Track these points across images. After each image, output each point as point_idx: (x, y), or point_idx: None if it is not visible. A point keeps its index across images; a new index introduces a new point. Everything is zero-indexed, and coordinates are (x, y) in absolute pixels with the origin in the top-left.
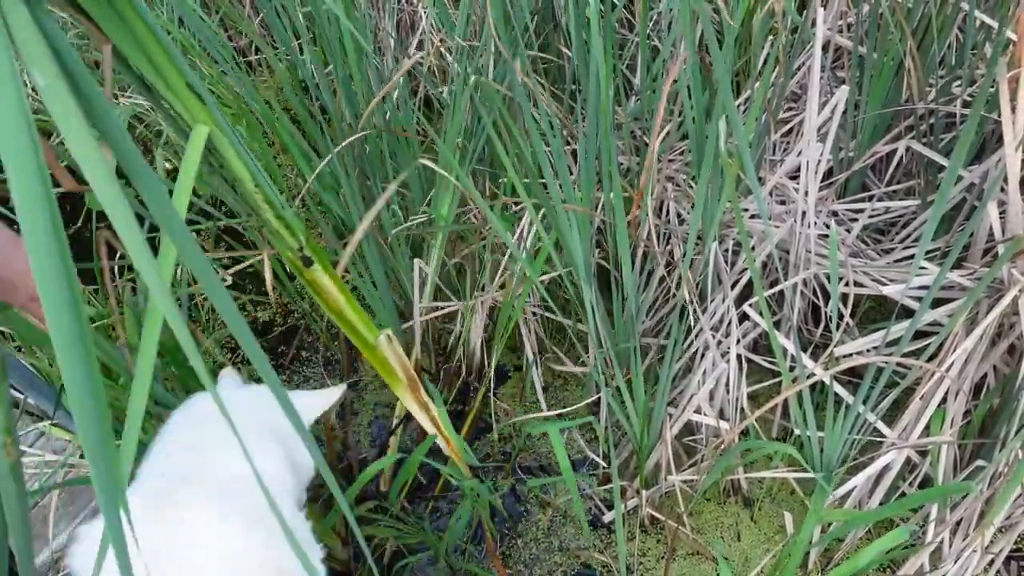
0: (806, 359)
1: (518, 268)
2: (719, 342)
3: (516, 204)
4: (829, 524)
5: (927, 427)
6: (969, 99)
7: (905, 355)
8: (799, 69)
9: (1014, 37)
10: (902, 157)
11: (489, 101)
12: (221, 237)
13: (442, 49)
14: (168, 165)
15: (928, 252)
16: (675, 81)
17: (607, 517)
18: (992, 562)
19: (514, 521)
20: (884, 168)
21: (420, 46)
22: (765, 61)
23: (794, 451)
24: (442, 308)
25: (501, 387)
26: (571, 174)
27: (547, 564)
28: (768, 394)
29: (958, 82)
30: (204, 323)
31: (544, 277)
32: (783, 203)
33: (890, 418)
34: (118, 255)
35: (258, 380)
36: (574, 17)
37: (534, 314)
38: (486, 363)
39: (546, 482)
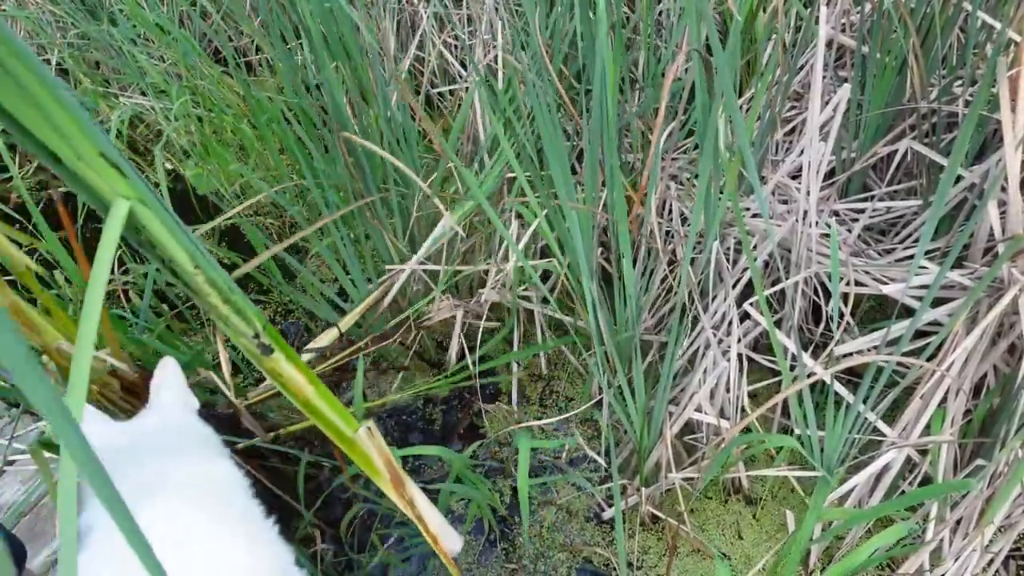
0: (806, 358)
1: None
2: (720, 340)
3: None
4: (830, 522)
5: (927, 426)
6: (971, 99)
7: (905, 354)
8: (802, 68)
9: (1016, 37)
10: (904, 157)
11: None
12: (222, 237)
13: (443, 48)
14: (168, 166)
15: (929, 252)
16: (679, 79)
17: (607, 514)
18: (992, 561)
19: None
20: (886, 168)
21: (421, 46)
22: (768, 60)
23: (795, 443)
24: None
25: (500, 387)
26: (575, 173)
27: (551, 560)
28: (768, 393)
29: (960, 82)
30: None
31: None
32: (785, 202)
33: (890, 417)
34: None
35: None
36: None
37: (529, 312)
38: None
39: (545, 480)
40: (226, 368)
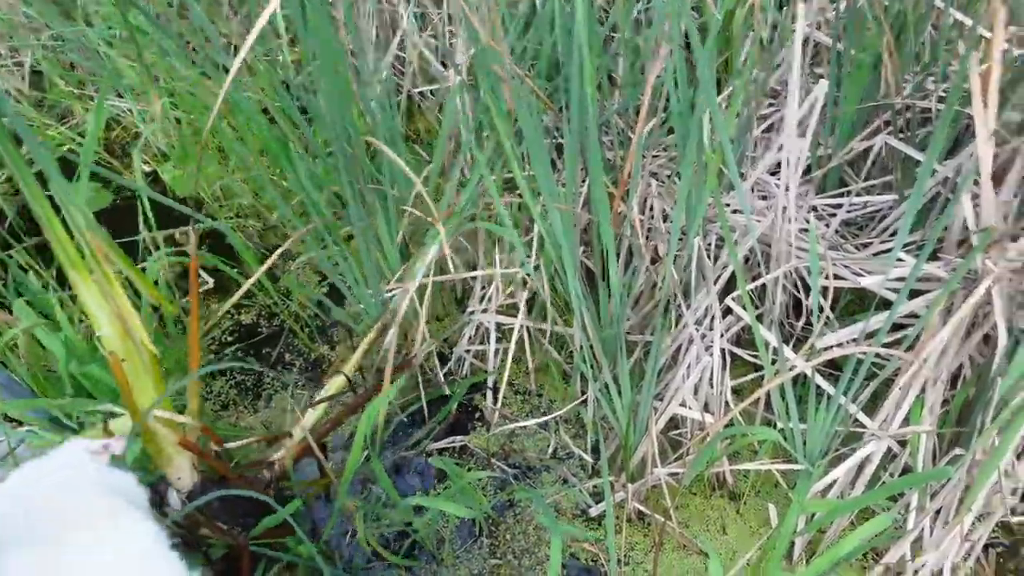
0: (788, 351)
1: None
2: (703, 336)
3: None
4: (813, 515)
5: (907, 417)
6: (944, 94)
7: (884, 346)
8: (779, 65)
9: (986, 34)
10: (879, 152)
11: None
12: (203, 240)
13: (423, 49)
14: (147, 168)
15: (905, 245)
16: (659, 76)
17: (594, 511)
18: (972, 549)
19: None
20: (862, 163)
21: (401, 46)
22: (746, 58)
23: (778, 436)
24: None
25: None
26: (555, 170)
27: (537, 555)
28: (752, 387)
29: (933, 78)
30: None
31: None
32: (764, 198)
33: (870, 409)
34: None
35: None
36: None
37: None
38: None
39: (532, 495)
40: None
